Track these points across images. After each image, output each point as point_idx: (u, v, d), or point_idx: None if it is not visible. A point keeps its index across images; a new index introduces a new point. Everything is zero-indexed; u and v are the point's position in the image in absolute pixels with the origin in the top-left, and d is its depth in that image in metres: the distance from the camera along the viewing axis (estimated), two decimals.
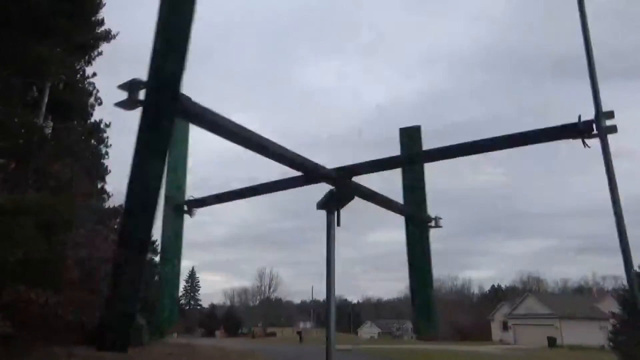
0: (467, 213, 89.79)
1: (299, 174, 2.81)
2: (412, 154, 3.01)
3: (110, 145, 20.52)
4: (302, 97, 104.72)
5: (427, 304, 3.24)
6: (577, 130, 2.07)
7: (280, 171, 2.93)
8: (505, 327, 56.70)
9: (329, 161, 2.91)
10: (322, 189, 3.04)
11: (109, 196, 21.61)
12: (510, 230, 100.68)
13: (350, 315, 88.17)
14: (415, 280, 3.31)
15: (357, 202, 2.96)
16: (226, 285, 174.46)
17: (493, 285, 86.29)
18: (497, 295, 76.34)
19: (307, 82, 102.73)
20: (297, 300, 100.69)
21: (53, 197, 13.31)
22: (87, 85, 18.98)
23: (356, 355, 29.14)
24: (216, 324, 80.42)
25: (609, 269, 76.61)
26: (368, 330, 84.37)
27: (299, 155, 2.64)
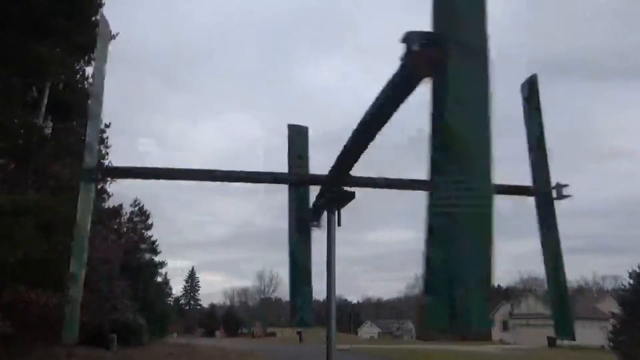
0: None
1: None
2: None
3: (111, 145, 20.54)
4: (301, 96, 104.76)
5: (563, 299, 3.02)
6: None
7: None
8: (505, 327, 56.71)
9: (328, 161, 2.91)
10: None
11: (109, 196, 21.62)
12: (510, 230, 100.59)
13: (350, 315, 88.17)
14: (551, 273, 3.05)
15: (356, 202, 2.95)
16: (226, 285, 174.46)
17: (493, 285, 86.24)
18: (497, 295, 76.29)
19: (307, 81, 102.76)
20: None
21: (53, 198, 13.30)
22: (87, 86, 18.98)
23: (356, 355, 29.13)
24: (216, 324, 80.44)
25: (609, 269, 76.63)
26: (368, 330, 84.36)
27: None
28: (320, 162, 3.00)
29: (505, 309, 57.65)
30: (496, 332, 58.15)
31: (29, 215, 11.67)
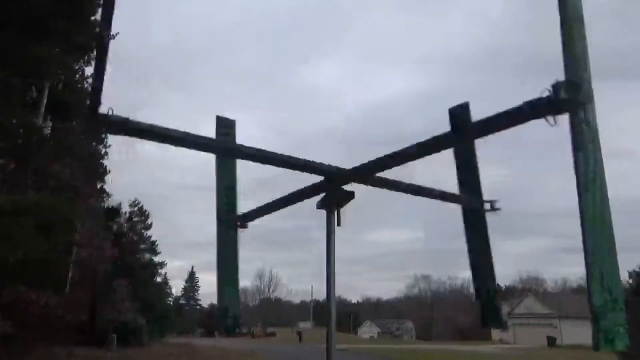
0: None
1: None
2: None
3: (110, 145, 20.55)
4: (301, 96, 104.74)
5: (491, 294, 3.26)
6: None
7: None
8: (504, 326, 56.71)
9: (328, 160, 2.91)
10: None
11: (108, 196, 21.62)
12: (510, 230, 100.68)
13: (350, 315, 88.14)
14: (478, 271, 3.32)
15: (356, 202, 2.95)
16: None
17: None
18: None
19: (306, 81, 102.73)
20: (296, 300, 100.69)
21: (53, 197, 13.30)
22: (86, 86, 18.98)
23: (355, 355, 29.13)
24: (216, 323, 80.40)
25: None
26: (368, 330, 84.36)
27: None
28: (317, 161, 2.99)
29: (504, 309, 57.65)
30: (496, 332, 58.14)
31: (29, 215, 11.67)
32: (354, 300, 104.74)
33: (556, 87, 1.84)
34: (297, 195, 3.05)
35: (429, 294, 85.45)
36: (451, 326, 57.28)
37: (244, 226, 3.35)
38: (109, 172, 21.32)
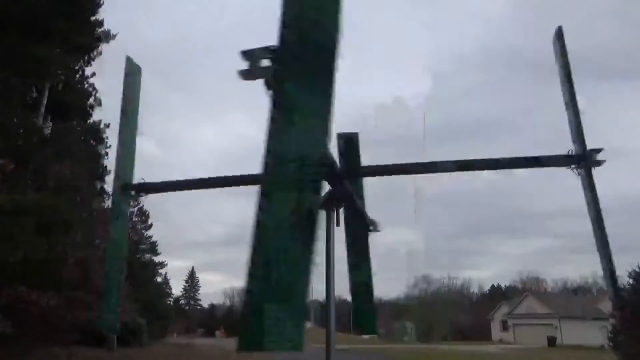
0: (467, 213, 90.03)
1: None
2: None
3: (110, 145, 20.51)
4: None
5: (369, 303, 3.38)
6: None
7: None
8: (505, 326, 56.70)
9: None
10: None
11: (108, 196, 21.61)
12: (510, 230, 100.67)
13: (350, 315, 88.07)
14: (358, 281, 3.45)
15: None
16: (226, 285, 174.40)
17: (493, 285, 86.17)
18: (496, 295, 76.31)
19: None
20: None
21: (53, 198, 13.31)
22: (86, 86, 18.99)
23: (356, 355, 29.13)
24: (216, 323, 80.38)
25: None
26: None
27: None
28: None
29: (504, 309, 57.64)
30: (496, 332, 58.15)
31: (29, 215, 11.68)
32: None
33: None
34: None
35: (429, 294, 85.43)
36: (451, 326, 57.25)
37: None
38: (109, 172, 21.33)
